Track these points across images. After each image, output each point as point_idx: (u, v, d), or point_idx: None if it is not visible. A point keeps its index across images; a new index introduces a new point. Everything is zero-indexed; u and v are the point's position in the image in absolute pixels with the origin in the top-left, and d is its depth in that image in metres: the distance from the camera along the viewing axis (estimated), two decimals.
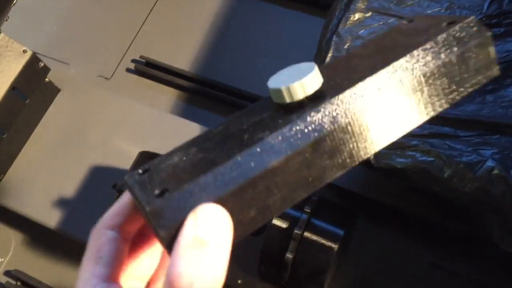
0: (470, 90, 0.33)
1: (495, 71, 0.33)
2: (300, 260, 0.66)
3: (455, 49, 0.32)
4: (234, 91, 0.99)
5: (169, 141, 0.90)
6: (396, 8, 0.67)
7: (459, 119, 0.61)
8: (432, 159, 0.60)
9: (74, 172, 0.88)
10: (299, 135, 0.30)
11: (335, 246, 0.66)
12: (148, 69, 1.06)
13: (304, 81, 0.31)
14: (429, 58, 0.31)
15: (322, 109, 0.30)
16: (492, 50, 0.33)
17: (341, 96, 0.30)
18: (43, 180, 0.89)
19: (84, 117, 0.94)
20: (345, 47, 0.65)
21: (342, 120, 0.30)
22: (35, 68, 0.88)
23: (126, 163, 0.79)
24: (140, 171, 0.32)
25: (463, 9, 0.66)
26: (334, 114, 0.30)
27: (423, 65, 0.31)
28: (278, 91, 0.31)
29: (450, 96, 0.33)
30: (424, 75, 0.31)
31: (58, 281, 0.89)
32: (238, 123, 0.33)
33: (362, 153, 0.32)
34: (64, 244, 0.89)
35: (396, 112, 0.32)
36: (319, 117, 0.30)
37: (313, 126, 0.30)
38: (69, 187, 0.87)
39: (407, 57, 0.31)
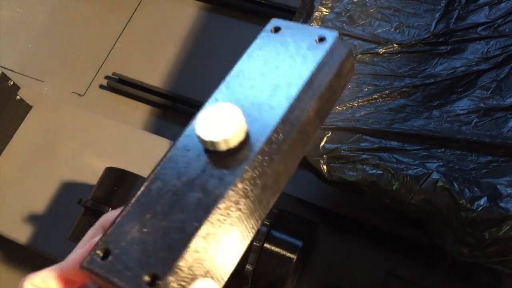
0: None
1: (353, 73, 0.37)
2: (259, 271, 0.68)
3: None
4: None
5: (139, 157, 0.92)
6: (348, 27, 0.70)
7: (406, 134, 0.64)
8: (381, 172, 0.62)
9: (44, 188, 0.89)
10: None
11: (293, 257, 0.68)
12: (121, 85, 1.08)
13: (229, 137, 0.32)
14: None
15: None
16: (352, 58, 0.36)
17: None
18: (14, 196, 0.90)
19: (56, 134, 0.96)
20: None
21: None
22: (4, 87, 0.90)
23: (93, 179, 0.81)
24: (100, 253, 0.30)
25: (412, 28, 0.70)
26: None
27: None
28: (207, 142, 0.33)
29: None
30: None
31: None
32: (175, 174, 0.33)
33: None
34: (36, 259, 0.91)
35: None
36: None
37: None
38: (39, 203, 0.88)
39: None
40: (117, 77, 1.09)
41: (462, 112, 0.64)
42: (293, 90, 0.33)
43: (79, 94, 1.09)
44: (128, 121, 1.04)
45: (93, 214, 0.73)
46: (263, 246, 0.69)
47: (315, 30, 0.36)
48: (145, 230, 0.30)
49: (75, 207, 0.85)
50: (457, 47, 0.68)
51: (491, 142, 0.61)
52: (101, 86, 1.10)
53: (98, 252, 0.30)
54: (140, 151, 0.92)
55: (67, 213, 0.87)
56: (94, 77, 1.11)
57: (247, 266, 0.68)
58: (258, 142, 0.32)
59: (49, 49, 1.16)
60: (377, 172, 0.62)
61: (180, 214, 0.31)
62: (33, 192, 0.90)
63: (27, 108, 0.98)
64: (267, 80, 0.35)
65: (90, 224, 0.73)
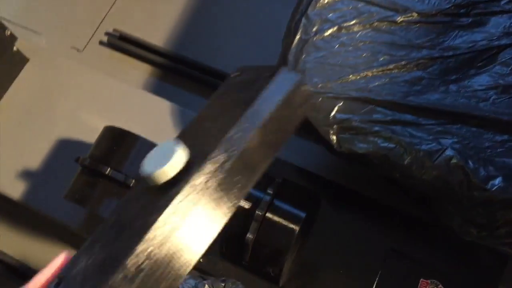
0: None
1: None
2: (261, 241, 0.66)
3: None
4: (208, 69, 0.98)
5: (138, 117, 0.89)
6: None
7: (421, 107, 0.61)
8: (393, 145, 0.60)
9: (40, 144, 0.87)
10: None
11: (296, 228, 0.66)
12: (122, 43, 1.04)
13: (164, 170, 0.36)
14: None
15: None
16: None
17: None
18: (8, 151, 0.88)
19: (52, 89, 0.92)
20: (313, 29, 0.65)
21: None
22: (0, 37, 0.86)
23: (91, 137, 0.78)
24: (56, 280, 0.35)
25: None
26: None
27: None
28: (147, 178, 0.36)
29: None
30: None
31: (20, 252, 0.89)
32: (128, 211, 0.37)
33: None
34: (28, 216, 0.89)
35: None
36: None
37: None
38: (34, 159, 0.86)
39: None
40: (118, 34, 1.05)
41: (480, 88, 0.62)
42: (233, 120, 0.35)
43: (77, 50, 1.06)
44: (127, 80, 1.00)
45: (91, 173, 0.70)
46: (266, 216, 0.67)
47: (266, 70, 0.38)
48: (90, 261, 0.35)
49: (71, 165, 0.82)
50: (478, 19, 0.65)
51: (509, 120, 0.59)
52: (101, 43, 1.06)
53: (56, 280, 0.35)
54: (139, 111, 0.89)
55: (63, 171, 0.84)
56: (94, 33, 1.07)
57: (248, 235, 0.66)
58: (193, 173, 0.34)
59: (49, 0, 1.12)
60: (389, 145, 0.60)
61: (119, 243, 0.34)
62: (28, 148, 0.87)
63: (24, 60, 0.94)
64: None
65: (87, 183, 0.71)
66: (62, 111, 0.90)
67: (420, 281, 0.68)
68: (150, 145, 0.72)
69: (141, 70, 1.03)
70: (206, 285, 0.66)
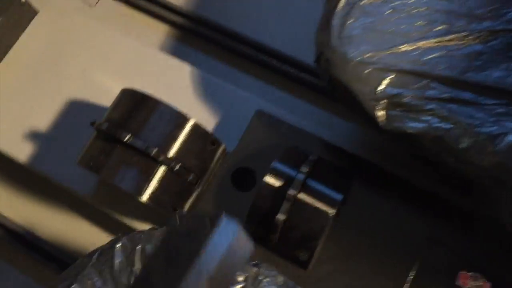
0: None
1: None
2: (292, 222, 0.61)
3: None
4: (230, 33, 0.91)
5: (156, 80, 0.83)
6: None
7: (481, 85, 0.55)
8: (450, 126, 0.54)
9: (49, 104, 0.80)
10: None
11: (331, 212, 0.61)
12: None
13: None
14: None
15: None
16: None
17: None
18: (14, 110, 0.81)
19: (63, 45, 0.85)
20: None
21: None
22: None
23: (106, 100, 0.72)
24: None
25: None
26: None
27: None
28: None
29: None
30: None
31: (26, 218, 0.83)
32: None
33: None
34: (33, 180, 0.83)
35: None
36: None
37: None
38: (43, 120, 0.79)
39: None
40: None
41: None
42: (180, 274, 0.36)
43: (89, 5, 0.98)
44: (142, 41, 0.93)
45: (107, 139, 0.64)
46: (298, 196, 0.61)
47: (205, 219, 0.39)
48: None
49: (81, 128, 0.76)
50: None
51: None
52: None
53: None
54: (158, 74, 0.83)
55: (72, 134, 0.79)
56: None
57: (278, 215, 0.61)
58: None
59: None
60: (445, 125, 0.54)
61: None
62: (36, 107, 0.81)
63: (32, 12, 0.87)
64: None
65: (103, 150, 0.65)
66: (73, 69, 0.83)
67: (459, 274, 0.63)
68: (172, 112, 0.66)
69: (157, 30, 0.95)
70: None
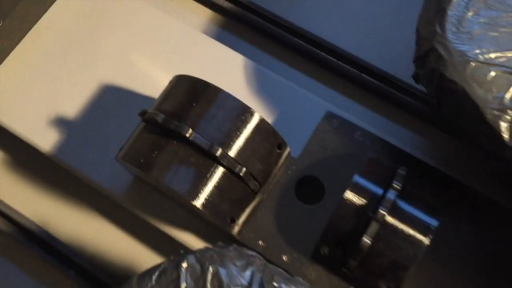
0: None
1: None
2: (378, 248, 0.51)
3: None
4: (283, 23, 0.81)
5: (204, 69, 0.72)
6: None
7: None
8: None
9: (80, 89, 0.70)
10: None
11: (426, 240, 0.51)
12: None
13: None
14: None
15: None
16: None
17: None
18: (39, 93, 0.70)
19: (96, 21, 0.74)
20: None
21: None
22: None
23: (144, 86, 0.62)
24: None
25: None
26: None
27: None
28: None
29: None
30: None
31: (41, 216, 0.72)
32: None
33: None
34: (53, 172, 0.72)
35: None
36: None
37: None
38: (71, 107, 0.69)
39: None
40: None
41: None
42: None
43: None
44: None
45: (160, 132, 0.54)
46: (387, 217, 0.51)
47: None
48: None
49: (115, 118, 0.66)
50: None
51: None
52: None
53: None
54: (205, 61, 0.72)
55: (105, 123, 0.68)
56: None
57: (364, 238, 0.50)
58: None
59: None
60: None
61: None
62: (64, 92, 0.70)
63: None
64: None
65: (155, 145, 0.54)
66: (107, 50, 0.72)
67: None
68: (239, 106, 0.56)
69: (200, 15, 0.85)
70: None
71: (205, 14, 0.85)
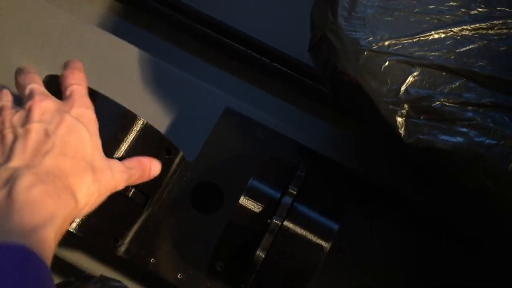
0: None
1: None
2: (275, 260, 0.46)
3: None
4: (183, 8, 0.73)
5: (92, 65, 0.64)
6: None
7: None
8: (494, 141, 0.41)
9: None
10: None
11: (326, 245, 0.47)
12: None
13: None
14: None
15: None
16: None
17: None
18: None
19: None
20: None
21: None
22: None
23: None
24: None
25: None
26: None
27: None
28: None
29: None
30: None
31: None
32: None
33: None
34: None
35: None
36: None
37: None
38: None
39: None
40: None
41: None
42: None
43: None
44: (76, 13, 0.74)
45: None
46: (283, 225, 0.46)
47: None
48: None
49: None
50: None
51: None
52: None
53: None
54: (93, 56, 0.65)
55: None
56: None
57: (258, 252, 0.45)
58: None
59: None
60: (488, 141, 0.41)
61: None
62: None
63: None
64: None
65: None
66: None
67: None
68: (116, 108, 0.49)
69: (96, 3, 0.77)
70: None
71: (102, 1, 0.77)
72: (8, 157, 0.37)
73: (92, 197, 0.40)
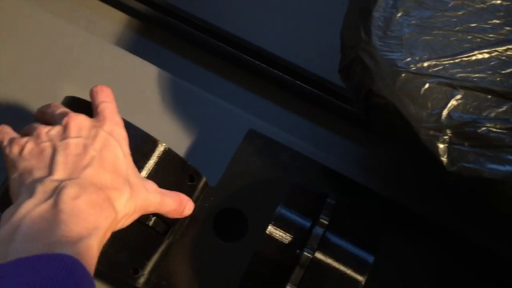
0: None
1: None
2: None
3: None
4: (205, 26, 0.72)
5: (117, 83, 0.62)
6: None
7: None
8: None
9: None
10: None
11: (361, 279, 0.44)
12: None
13: None
14: None
15: None
16: None
17: None
18: None
19: None
20: None
21: None
22: None
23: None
24: None
25: None
26: None
27: None
28: None
29: None
30: None
31: None
32: None
33: None
34: None
35: None
36: None
37: None
38: None
39: None
40: None
41: None
42: None
43: None
44: (92, 30, 0.73)
45: None
46: (315, 257, 0.44)
47: None
48: None
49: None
50: None
51: None
52: None
53: None
54: (111, 76, 0.63)
55: None
56: None
57: (288, 287, 0.42)
58: None
59: None
60: None
61: None
62: None
63: None
64: None
65: None
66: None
67: None
68: (138, 134, 0.47)
69: (111, 19, 0.75)
70: None
71: (118, 18, 0.76)
72: (51, 169, 0.38)
73: (129, 212, 0.41)
